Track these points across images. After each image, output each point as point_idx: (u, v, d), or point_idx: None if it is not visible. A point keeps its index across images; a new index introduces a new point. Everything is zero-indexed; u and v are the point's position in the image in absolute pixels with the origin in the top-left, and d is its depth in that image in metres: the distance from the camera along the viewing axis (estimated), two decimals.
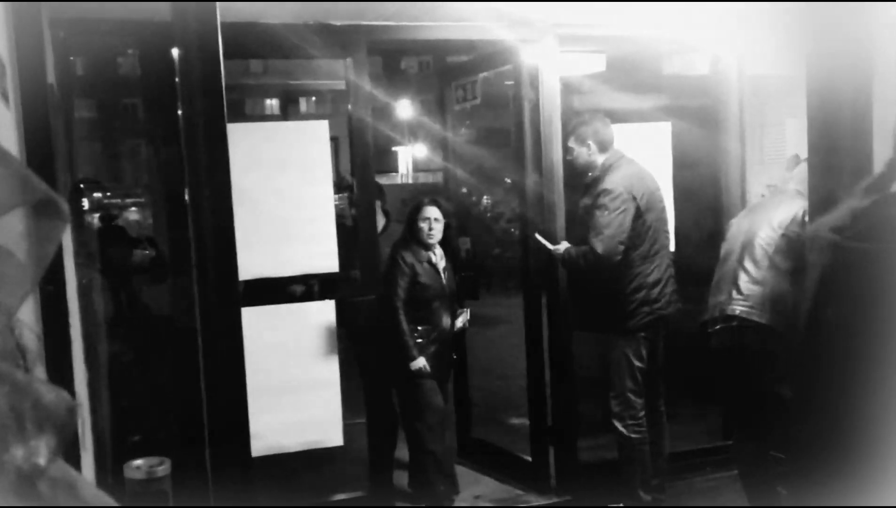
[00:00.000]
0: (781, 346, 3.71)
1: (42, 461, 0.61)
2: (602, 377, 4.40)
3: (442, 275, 4.52)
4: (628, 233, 4.08)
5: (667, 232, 4.36)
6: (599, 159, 4.27)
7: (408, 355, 4.36)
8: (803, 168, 3.53)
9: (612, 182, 4.15)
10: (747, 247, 3.91)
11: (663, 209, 4.34)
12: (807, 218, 3.70)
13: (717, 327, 3.93)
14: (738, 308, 3.83)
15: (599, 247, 4.05)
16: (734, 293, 3.86)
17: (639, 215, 4.13)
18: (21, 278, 0.68)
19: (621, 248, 4.06)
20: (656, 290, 4.17)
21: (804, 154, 3.41)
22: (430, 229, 4.47)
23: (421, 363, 4.37)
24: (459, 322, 4.64)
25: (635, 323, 4.17)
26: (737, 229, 4.10)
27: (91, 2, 3.52)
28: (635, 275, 4.15)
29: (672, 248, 4.52)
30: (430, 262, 4.49)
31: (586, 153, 4.29)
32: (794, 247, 3.76)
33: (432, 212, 4.50)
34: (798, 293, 3.59)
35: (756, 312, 3.78)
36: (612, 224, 4.06)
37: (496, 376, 6.76)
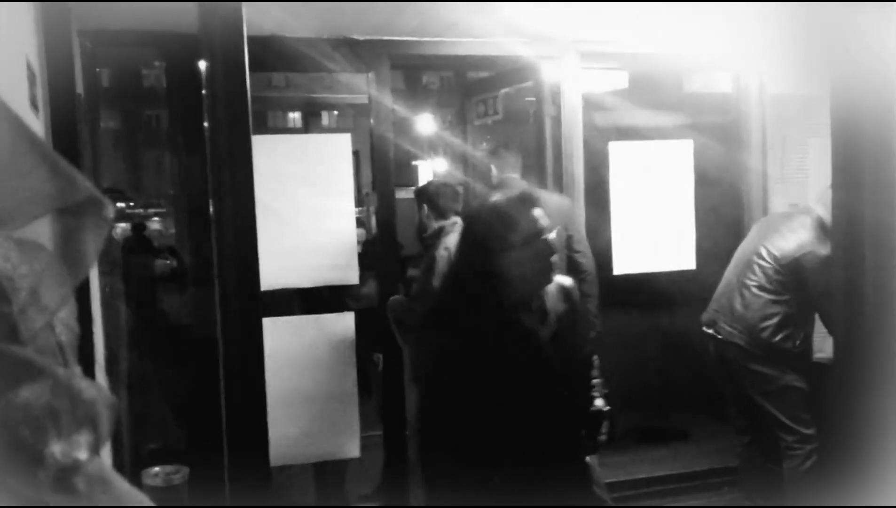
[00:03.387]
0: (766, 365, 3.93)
1: (82, 456, 0.62)
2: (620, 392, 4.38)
3: None
4: None
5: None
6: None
7: None
8: (828, 194, 3.54)
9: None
10: (749, 267, 4.02)
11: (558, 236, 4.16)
12: (807, 257, 3.84)
13: (709, 331, 4.14)
14: (726, 328, 4.04)
15: None
16: (728, 314, 4.05)
17: None
18: (63, 278, 0.70)
19: None
20: None
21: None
22: None
23: None
24: None
25: None
26: (750, 238, 4.20)
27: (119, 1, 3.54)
28: None
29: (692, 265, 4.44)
30: None
31: (490, 176, 4.28)
32: (788, 277, 3.91)
33: None
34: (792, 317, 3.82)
35: (738, 335, 4.00)
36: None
37: None
